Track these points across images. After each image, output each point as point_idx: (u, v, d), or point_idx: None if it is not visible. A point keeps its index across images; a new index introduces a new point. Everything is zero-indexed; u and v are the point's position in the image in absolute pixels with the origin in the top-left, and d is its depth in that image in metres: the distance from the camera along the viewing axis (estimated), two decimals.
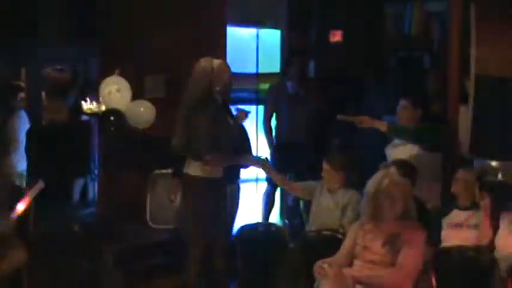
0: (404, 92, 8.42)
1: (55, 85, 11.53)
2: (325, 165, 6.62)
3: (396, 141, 7.14)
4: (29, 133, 8.12)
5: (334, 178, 6.61)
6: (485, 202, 6.09)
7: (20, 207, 6.09)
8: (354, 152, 8.11)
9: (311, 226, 6.68)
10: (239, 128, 6.82)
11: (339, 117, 6.93)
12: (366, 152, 9.03)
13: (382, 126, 6.91)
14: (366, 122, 6.83)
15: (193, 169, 6.45)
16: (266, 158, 7.07)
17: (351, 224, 5.86)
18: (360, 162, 7.20)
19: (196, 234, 6.50)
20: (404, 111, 7.12)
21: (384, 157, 7.18)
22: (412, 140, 6.98)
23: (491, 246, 5.92)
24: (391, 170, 5.99)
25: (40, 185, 6.05)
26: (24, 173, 8.22)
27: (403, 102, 7.16)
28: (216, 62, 6.49)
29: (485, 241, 5.94)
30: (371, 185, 5.32)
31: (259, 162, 6.85)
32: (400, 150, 7.02)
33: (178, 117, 6.48)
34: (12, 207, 6.51)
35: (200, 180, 6.43)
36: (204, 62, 6.50)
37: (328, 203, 6.57)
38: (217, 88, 6.39)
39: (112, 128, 7.78)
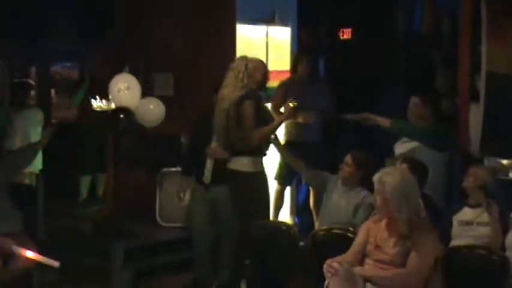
0: (414, 90, 8.40)
1: (64, 83, 11.54)
2: (349, 160, 6.57)
3: (405, 138, 7.13)
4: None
5: (353, 174, 6.57)
6: (494, 212, 6.06)
7: (29, 254, 6.13)
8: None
9: (320, 221, 6.69)
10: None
11: (344, 116, 6.93)
12: (374, 151, 9.03)
13: (385, 122, 6.88)
14: (369, 119, 6.81)
15: (247, 165, 6.53)
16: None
17: (362, 223, 5.84)
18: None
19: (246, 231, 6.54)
20: (415, 108, 7.13)
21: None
22: (415, 139, 6.98)
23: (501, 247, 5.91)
24: (402, 166, 5.99)
25: (55, 264, 6.09)
26: (36, 172, 8.21)
27: (414, 100, 7.16)
28: (251, 60, 6.59)
29: (495, 244, 5.92)
30: (381, 178, 5.30)
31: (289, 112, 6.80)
32: (407, 147, 7.00)
33: (218, 118, 6.51)
34: (21, 208, 6.54)
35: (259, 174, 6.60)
36: (239, 60, 6.56)
37: (340, 200, 6.54)
38: (253, 86, 6.49)
39: (121, 126, 7.77)
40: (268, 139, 6.75)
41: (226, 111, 6.46)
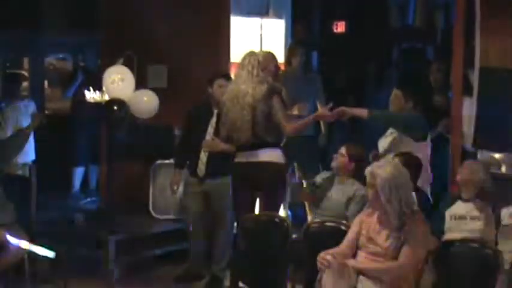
0: (406, 83, 8.42)
1: (57, 74, 11.53)
2: (343, 151, 6.65)
3: (388, 131, 7.12)
4: None
5: (346, 165, 6.64)
6: (487, 214, 6.11)
7: (23, 244, 6.14)
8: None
9: (313, 214, 6.74)
10: None
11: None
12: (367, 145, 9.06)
13: (362, 113, 6.84)
14: (345, 113, 6.76)
15: (278, 156, 6.58)
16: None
17: (355, 216, 5.86)
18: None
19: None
20: (396, 100, 7.09)
21: None
22: (392, 126, 6.97)
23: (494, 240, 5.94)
24: (395, 160, 6.00)
25: (50, 254, 6.10)
26: (29, 163, 8.20)
27: (395, 92, 7.13)
28: (262, 54, 6.73)
29: (488, 237, 5.95)
30: (372, 171, 5.32)
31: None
32: (388, 141, 7.01)
33: (241, 113, 6.52)
34: (14, 199, 6.55)
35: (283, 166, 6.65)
36: (249, 56, 6.60)
37: (333, 193, 6.60)
38: (268, 78, 6.53)
39: (115, 118, 7.76)
40: (300, 132, 6.84)
41: (251, 106, 6.45)
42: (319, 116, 6.87)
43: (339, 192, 6.60)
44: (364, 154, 6.78)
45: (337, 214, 6.35)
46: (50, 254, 6.15)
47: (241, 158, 6.63)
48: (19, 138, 7.34)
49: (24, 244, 6.19)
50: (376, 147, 7.15)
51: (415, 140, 6.87)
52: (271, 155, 6.55)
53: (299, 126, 6.73)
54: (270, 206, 6.58)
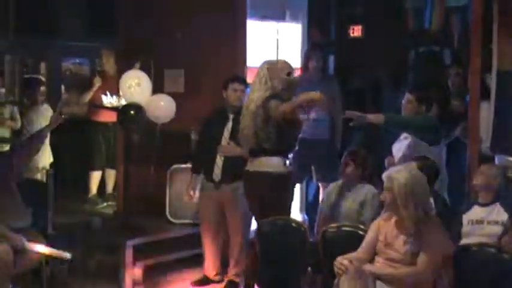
0: (423, 87, 8.37)
1: (74, 79, 11.59)
2: (346, 158, 6.71)
3: (402, 136, 7.11)
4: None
5: (353, 172, 6.70)
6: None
7: (41, 248, 6.17)
8: (376, 149, 8.08)
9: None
10: None
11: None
12: (385, 150, 9.03)
13: (378, 119, 6.80)
14: (361, 120, 6.71)
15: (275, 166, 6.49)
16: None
17: (371, 220, 5.85)
18: (381, 160, 7.18)
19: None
20: (409, 105, 7.08)
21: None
22: (405, 131, 6.96)
23: None
24: (412, 164, 5.98)
25: (67, 256, 6.12)
26: (46, 167, 8.23)
27: (408, 96, 7.12)
28: (274, 62, 6.70)
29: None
30: (390, 176, 5.31)
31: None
32: (403, 145, 6.99)
33: (244, 120, 6.53)
34: (31, 203, 6.56)
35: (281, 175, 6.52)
36: (262, 64, 6.64)
37: (345, 202, 6.63)
38: (279, 86, 6.48)
39: (132, 122, 7.78)
40: (295, 113, 6.54)
41: (254, 113, 6.44)
42: (308, 99, 6.55)
43: (350, 200, 6.63)
44: (366, 156, 6.81)
45: (351, 222, 6.34)
46: (67, 256, 6.17)
47: (247, 165, 6.65)
48: (38, 138, 7.37)
49: (42, 248, 6.21)
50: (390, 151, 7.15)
51: (429, 144, 6.86)
52: (268, 164, 6.53)
53: (292, 105, 6.40)
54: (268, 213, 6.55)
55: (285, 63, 6.68)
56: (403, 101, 7.13)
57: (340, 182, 6.87)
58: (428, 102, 7.15)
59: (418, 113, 7.03)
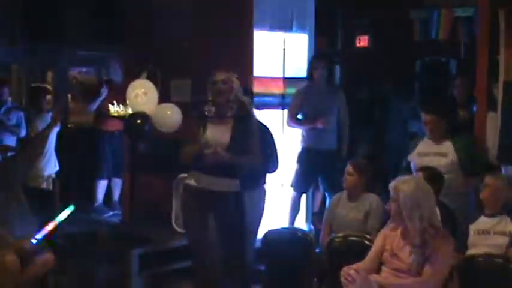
0: (429, 97, 8.37)
1: (81, 88, 11.60)
2: (350, 169, 6.70)
3: (421, 149, 7.10)
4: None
5: (357, 183, 6.69)
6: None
7: (48, 227, 6.13)
8: (380, 159, 8.09)
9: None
10: None
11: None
12: (391, 160, 9.03)
13: None
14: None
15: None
16: None
17: (376, 230, 5.84)
18: (385, 170, 7.19)
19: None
20: (429, 125, 7.07)
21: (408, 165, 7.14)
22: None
23: None
24: (418, 175, 5.99)
25: (70, 208, 6.08)
26: (52, 176, 8.25)
27: (427, 118, 7.10)
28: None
29: None
30: (396, 186, 5.30)
31: None
32: (429, 160, 6.96)
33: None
34: (39, 212, 6.57)
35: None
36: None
37: (349, 213, 6.63)
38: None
39: (138, 131, 7.78)
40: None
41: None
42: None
43: (355, 210, 6.63)
44: (369, 166, 6.83)
45: (356, 232, 6.34)
46: (70, 209, 6.12)
47: None
48: (41, 139, 7.39)
49: (49, 227, 6.16)
50: (397, 161, 7.14)
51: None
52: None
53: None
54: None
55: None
56: (423, 122, 7.11)
57: (344, 192, 6.87)
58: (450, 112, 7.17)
59: (441, 128, 7.04)
